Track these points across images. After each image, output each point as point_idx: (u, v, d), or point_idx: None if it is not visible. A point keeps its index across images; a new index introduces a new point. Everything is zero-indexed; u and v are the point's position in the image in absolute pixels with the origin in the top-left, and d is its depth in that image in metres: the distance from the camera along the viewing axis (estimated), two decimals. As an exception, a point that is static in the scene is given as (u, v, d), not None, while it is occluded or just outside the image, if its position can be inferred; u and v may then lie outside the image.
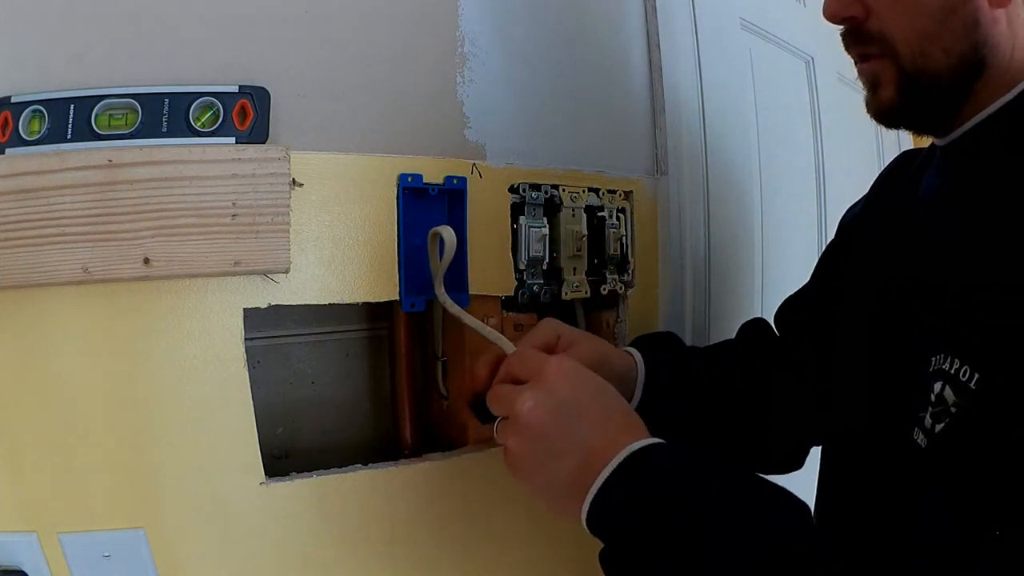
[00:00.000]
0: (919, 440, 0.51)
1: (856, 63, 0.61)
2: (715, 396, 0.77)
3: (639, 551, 0.49)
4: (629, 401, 0.70)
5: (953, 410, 0.48)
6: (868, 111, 0.61)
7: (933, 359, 0.51)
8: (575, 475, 0.52)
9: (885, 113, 0.60)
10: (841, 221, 0.81)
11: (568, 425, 0.54)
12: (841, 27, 0.60)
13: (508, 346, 0.65)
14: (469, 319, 0.71)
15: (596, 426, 0.54)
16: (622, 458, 0.51)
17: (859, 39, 0.59)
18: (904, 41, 0.56)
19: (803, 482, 0.75)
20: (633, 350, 0.77)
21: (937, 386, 0.50)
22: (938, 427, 0.49)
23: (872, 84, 0.60)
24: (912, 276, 0.59)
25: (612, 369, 0.71)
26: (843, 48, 0.61)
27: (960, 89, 0.56)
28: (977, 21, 0.54)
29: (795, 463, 0.80)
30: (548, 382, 0.55)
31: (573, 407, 0.54)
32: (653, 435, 0.54)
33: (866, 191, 0.78)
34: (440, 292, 0.73)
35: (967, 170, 0.58)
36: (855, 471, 0.63)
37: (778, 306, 0.84)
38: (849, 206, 0.81)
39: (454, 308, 0.72)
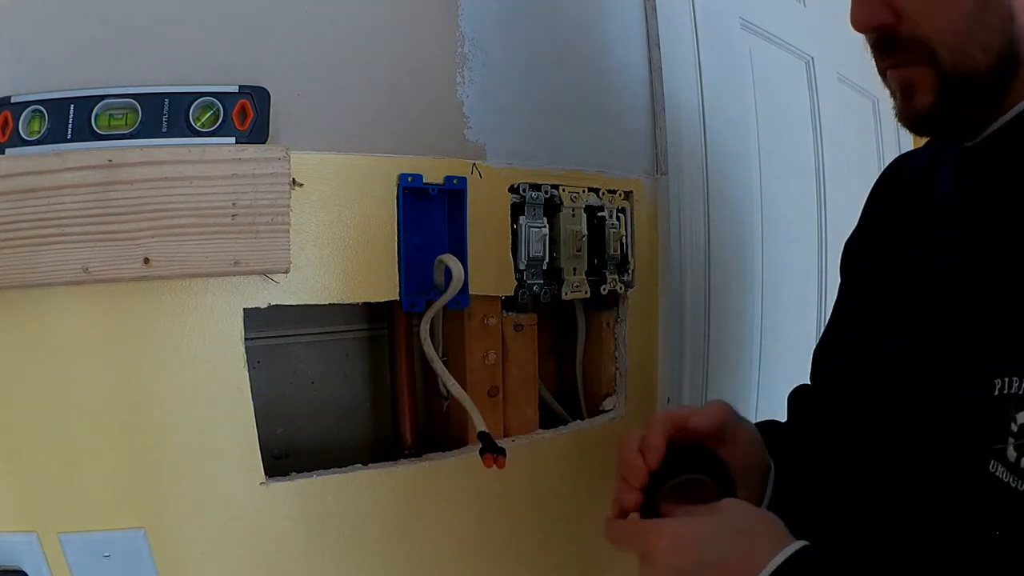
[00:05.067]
0: (999, 473, 0.46)
1: (884, 71, 0.55)
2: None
3: None
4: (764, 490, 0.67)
5: None
6: (899, 120, 0.56)
7: (996, 382, 0.47)
8: None
9: (921, 120, 0.54)
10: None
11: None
12: (871, 36, 0.54)
13: (480, 422, 0.66)
14: (445, 375, 0.71)
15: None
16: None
17: (892, 47, 0.53)
18: (942, 43, 0.51)
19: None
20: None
21: (1020, 416, 0.45)
22: None
23: (905, 91, 0.54)
24: (943, 293, 0.54)
25: (746, 430, 0.66)
26: (873, 63, 0.56)
27: (998, 88, 0.51)
28: (1012, 14, 0.49)
29: None
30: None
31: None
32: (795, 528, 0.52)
33: (867, 191, 0.72)
34: (424, 331, 0.73)
35: (995, 173, 0.54)
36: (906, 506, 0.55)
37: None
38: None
39: (430, 351, 0.72)
